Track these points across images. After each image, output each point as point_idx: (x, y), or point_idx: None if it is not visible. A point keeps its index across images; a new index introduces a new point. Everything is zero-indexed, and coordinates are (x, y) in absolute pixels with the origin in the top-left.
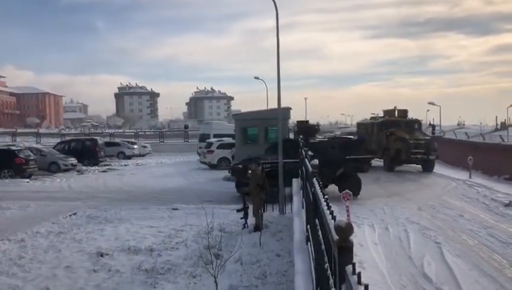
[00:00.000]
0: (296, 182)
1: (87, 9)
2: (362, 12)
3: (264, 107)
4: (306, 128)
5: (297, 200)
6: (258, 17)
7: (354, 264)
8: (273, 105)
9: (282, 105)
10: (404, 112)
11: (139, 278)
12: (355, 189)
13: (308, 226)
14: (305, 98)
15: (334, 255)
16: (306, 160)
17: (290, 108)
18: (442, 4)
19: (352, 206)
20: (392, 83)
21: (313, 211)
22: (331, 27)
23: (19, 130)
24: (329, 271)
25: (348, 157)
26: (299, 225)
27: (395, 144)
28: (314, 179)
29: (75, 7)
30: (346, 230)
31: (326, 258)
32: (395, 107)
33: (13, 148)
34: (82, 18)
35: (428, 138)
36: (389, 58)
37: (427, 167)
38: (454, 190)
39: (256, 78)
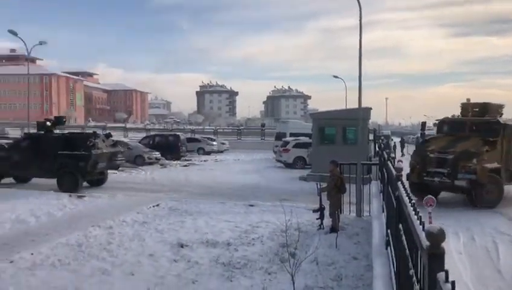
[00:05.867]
0: (375, 185)
1: (172, 11)
2: (447, 9)
3: (341, 107)
4: (43, 124)
5: (376, 203)
6: (335, 16)
7: (447, 272)
8: (352, 105)
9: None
10: (482, 108)
11: (216, 271)
12: (68, 187)
13: (389, 231)
14: (386, 98)
15: (422, 262)
16: (389, 163)
17: (371, 108)
18: None
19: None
20: (477, 84)
21: (396, 215)
22: (413, 25)
23: (109, 124)
24: (414, 277)
25: (60, 152)
26: (378, 228)
27: (414, 158)
28: (399, 182)
29: (162, 9)
30: (438, 236)
31: (411, 264)
32: (468, 99)
33: None
34: (167, 19)
35: (473, 150)
36: (475, 58)
37: (471, 198)
38: None
39: (335, 76)
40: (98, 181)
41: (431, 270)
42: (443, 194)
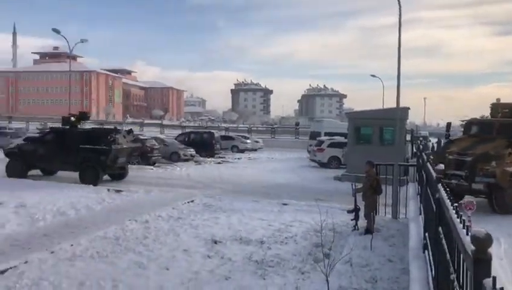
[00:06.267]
0: (412, 187)
1: (207, 10)
2: (489, 7)
3: (377, 106)
4: (68, 119)
5: (413, 205)
6: (373, 14)
7: (494, 278)
8: (388, 104)
9: None
10: None
11: (249, 268)
12: (89, 180)
13: (427, 234)
14: (424, 98)
15: (466, 267)
16: (428, 164)
17: (409, 108)
18: None
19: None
20: None
21: (436, 218)
22: (453, 24)
23: (146, 121)
24: (456, 282)
25: (82, 146)
26: (415, 231)
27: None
28: (439, 184)
29: (198, 7)
30: (484, 241)
31: (452, 269)
32: (498, 99)
33: (141, 137)
34: (203, 18)
35: (493, 152)
36: None
37: (492, 203)
38: None
39: (373, 76)
40: (119, 175)
41: (476, 276)
42: (481, 198)
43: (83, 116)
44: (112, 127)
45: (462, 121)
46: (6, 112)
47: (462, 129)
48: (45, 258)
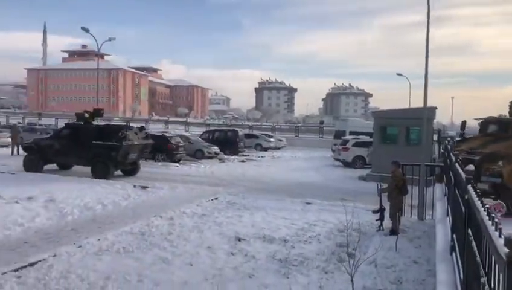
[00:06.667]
0: (439, 188)
1: (232, 8)
2: None
3: (403, 106)
4: (82, 115)
5: (440, 206)
6: (399, 12)
7: None
8: (415, 104)
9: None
10: None
11: (273, 266)
12: (100, 174)
13: (454, 236)
14: (452, 97)
15: (498, 270)
16: (457, 164)
17: (436, 107)
18: None
19: None
20: None
21: (465, 219)
22: (486, 21)
23: (171, 119)
24: (487, 286)
25: (94, 142)
26: (442, 233)
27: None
28: (469, 186)
29: (222, 6)
30: None
31: (483, 272)
32: None
33: (166, 135)
34: (228, 16)
35: (502, 152)
36: None
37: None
38: None
39: (399, 74)
40: (130, 171)
41: (510, 279)
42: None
43: (97, 113)
44: (124, 123)
45: (477, 119)
46: (36, 109)
47: (479, 128)
48: (73, 252)
